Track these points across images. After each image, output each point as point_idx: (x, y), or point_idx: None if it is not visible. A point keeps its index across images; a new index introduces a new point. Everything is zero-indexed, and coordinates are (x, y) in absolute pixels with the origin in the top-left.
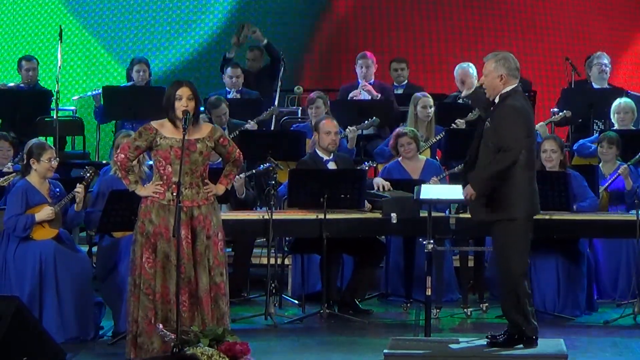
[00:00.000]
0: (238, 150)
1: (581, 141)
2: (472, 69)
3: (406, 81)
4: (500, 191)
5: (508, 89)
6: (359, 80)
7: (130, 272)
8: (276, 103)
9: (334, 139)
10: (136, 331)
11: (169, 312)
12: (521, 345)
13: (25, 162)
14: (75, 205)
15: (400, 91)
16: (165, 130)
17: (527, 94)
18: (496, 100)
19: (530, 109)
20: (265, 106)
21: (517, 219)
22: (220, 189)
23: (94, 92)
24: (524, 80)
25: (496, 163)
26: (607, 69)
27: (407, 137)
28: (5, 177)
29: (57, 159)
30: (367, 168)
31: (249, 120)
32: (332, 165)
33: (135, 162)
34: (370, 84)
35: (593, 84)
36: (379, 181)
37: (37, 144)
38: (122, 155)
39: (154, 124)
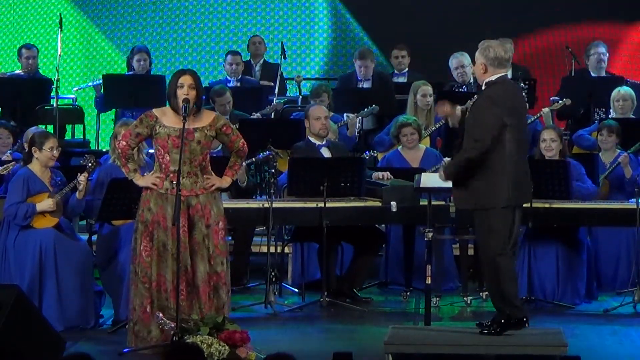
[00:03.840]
0: (242, 140)
1: (580, 132)
2: (466, 59)
3: (407, 69)
4: (479, 180)
5: (493, 78)
6: (358, 77)
7: (132, 260)
8: (276, 92)
9: (324, 123)
10: (135, 319)
11: (165, 300)
12: (511, 331)
13: (27, 150)
14: (78, 192)
15: (401, 79)
16: (166, 118)
17: (526, 82)
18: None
19: (515, 98)
20: (266, 95)
21: (494, 207)
22: (226, 181)
23: (94, 83)
24: (522, 68)
25: (464, 151)
26: (605, 57)
27: (410, 127)
28: (5, 165)
29: (59, 148)
30: (367, 158)
31: (254, 113)
32: (325, 151)
33: (134, 150)
34: (368, 79)
35: (591, 73)
36: (380, 172)
37: (39, 133)
38: (124, 143)
39: (156, 111)
